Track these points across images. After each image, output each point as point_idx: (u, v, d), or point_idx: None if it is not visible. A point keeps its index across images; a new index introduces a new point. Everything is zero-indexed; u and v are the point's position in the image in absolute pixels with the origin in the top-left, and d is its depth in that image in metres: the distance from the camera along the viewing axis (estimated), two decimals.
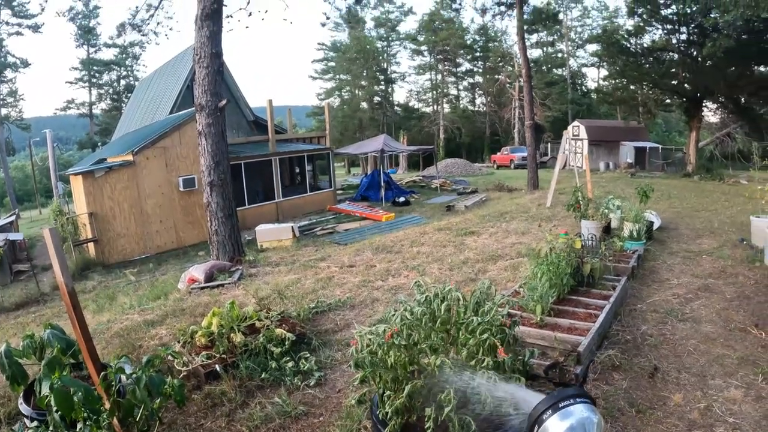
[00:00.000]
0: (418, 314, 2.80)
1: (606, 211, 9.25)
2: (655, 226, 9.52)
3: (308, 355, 4.78)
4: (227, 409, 4.06)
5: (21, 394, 3.88)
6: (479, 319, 2.71)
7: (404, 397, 2.69)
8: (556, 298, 5.34)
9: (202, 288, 8.26)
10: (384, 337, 2.79)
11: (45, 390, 2.29)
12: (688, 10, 26.06)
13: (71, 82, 61.93)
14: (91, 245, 16.59)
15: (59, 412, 2.22)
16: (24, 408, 3.82)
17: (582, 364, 4.16)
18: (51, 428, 2.26)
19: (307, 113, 68.40)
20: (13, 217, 27.92)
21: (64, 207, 24.93)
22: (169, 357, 4.79)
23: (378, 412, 2.91)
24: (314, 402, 4.11)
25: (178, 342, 5.21)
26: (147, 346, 5.55)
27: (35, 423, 2.67)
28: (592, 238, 7.53)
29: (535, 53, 59.20)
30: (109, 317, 7.22)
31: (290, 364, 4.57)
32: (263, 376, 4.45)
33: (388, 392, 2.82)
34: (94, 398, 2.28)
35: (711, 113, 37.16)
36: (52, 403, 2.22)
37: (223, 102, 11.77)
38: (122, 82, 63.83)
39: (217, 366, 4.53)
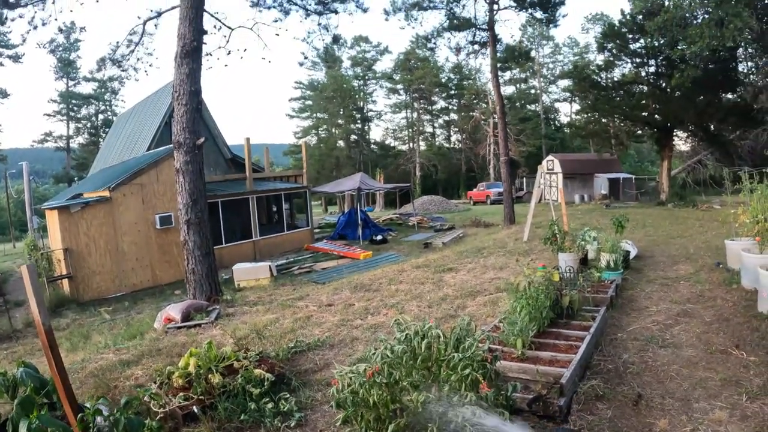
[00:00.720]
0: (399, 352, 2.79)
1: (582, 242, 9.36)
2: (631, 255, 9.64)
3: (288, 395, 4.70)
4: None
5: None
6: (460, 355, 2.71)
7: None
8: (537, 331, 5.35)
9: (179, 327, 8.13)
10: (365, 376, 2.77)
11: (23, 430, 2.22)
12: (656, 44, 26.93)
13: (49, 115, 61.49)
14: (65, 282, 16.30)
15: None
16: None
17: (565, 396, 4.16)
18: None
19: (284, 152, 68.58)
20: None
21: (38, 242, 24.53)
22: (146, 398, 4.70)
23: None
24: None
25: (155, 383, 5.11)
26: (123, 386, 5.45)
27: None
28: (569, 270, 7.60)
29: (508, 90, 60.55)
30: (83, 356, 7.09)
31: (270, 405, 4.49)
32: (242, 417, 4.37)
33: (370, 431, 2.79)
34: None
35: (682, 142, 38.27)
36: None
37: (202, 140, 11.78)
38: (100, 116, 63.54)
39: (195, 407, 4.43)
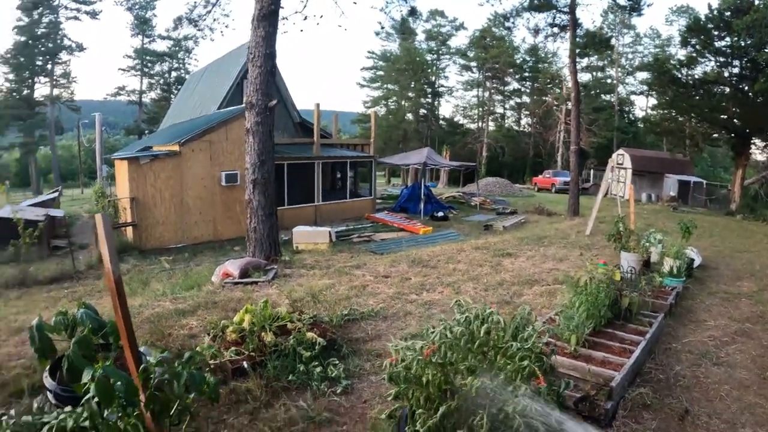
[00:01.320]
0: (458, 334, 2.75)
1: (647, 244, 9.05)
2: (695, 264, 9.25)
3: (337, 362, 4.76)
4: (251, 407, 4.06)
5: (47, 368, 3.96)
6: (518, 344, 2.66)
7: (438, 417, 2.65)
8: (592, 329, 5.22)
9: (236, 283, 8.31)
10: (421, 353, 2.76)
11: (86, 377, 2.30)
12: (742, 44, 25.53)
13: (124, 70, 63.42)
14: (129, 229, 16.91)
15: (96, 400, 2.23)
16: (49, 382, 3.87)
17: (613, 400, 4.06)
18: (86, 414, 2.27)
19: (352, 120, 68.64)
20: (55, 194, 28.69)
21: (106, 189, 25.54)
22: (197, 348, 4.82)
23: (407, 429, 2.87)
24: (339, 410, 4.08)
25: (208, 335, 5.25)
26: (176, 334, 5.60)
27: (66, 403, 2.69)
28: (631, 271, 7.37)
29: (584, 77, 58.41)
30: (141, 302, 7.30)
31: (318, 369, 4.56)
32: (290, 378, 4.45)
33: (420, 410, 2.78)
34: (134, 390, 2.30)
35: (759, 151, 36.31)
36: (92, 391, 2.23)
37: (273, 102, 11.87)
38: (173, 73, 65.19)
39: (245, 363, 4.53)
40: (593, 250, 11.46)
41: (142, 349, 2.69)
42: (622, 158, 35.35)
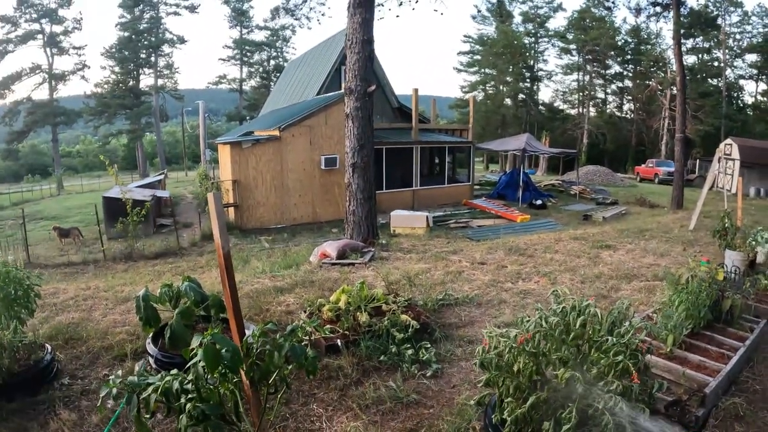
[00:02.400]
0: (552, 324, 2.77)
1: (754, 243, 8.53)
2: None
3: (429, 345, 4.85)
4: (341, 383, 4.22)
5: (150, 336, 4.27)
6: (614, 339, 2.64)
7: (527, 407, 2.69)
8: (690, 330, 5.03)
9: (333, 264, 8.58)
10: (515, 341, 2.80)
11: (194, 342, 2.49)
12: None
13: (224, 60, 66.58)
14: (231, 210, 17.71)
15: (203, 365, 2.41)
16: (151, 348, 4.21)
17: (705, 407, 3.92)
18: (191, 377, 2.47)
19: (450, 105, 68.20)
20: (161, 176, 30.54)
21: (210, 172, 26.78)
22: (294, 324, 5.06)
23: (493, 417, 2.92)
24: (427, 393, 4.15)
25: (304, 312, 5.49)
26: (274, 310, 5.88)
27: (167, 368, 2.90)
28: (735, 271, 7.01)
29: (689, 59, 54.66)
30: (241, 278, 7.67)
31: (410, 351, 4.66)
32: (381, 358, 4.58)
33: (508, 399, 2.83)
34: (239, 357, 2.47)
35: None
36: (199, 356, 2.41)
37: (372, 87, 12.05)
38: (272, 62, 67.49)
39: (339, 341, 4.73)
40: (696, 246, 10.92)
41: (268, 325, 2.88)
42: (729, 148, 33.06)
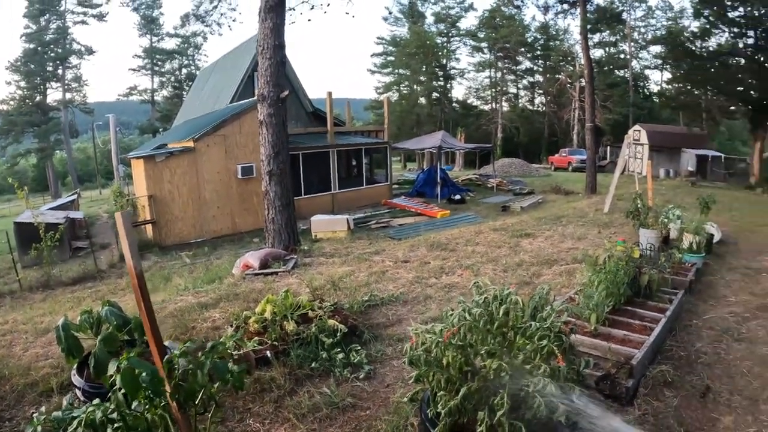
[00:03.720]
0: (476, 316, 2.77)
1: (666, 220, 8.96)
2: (714, 240, 9.10)
3: (359, 347, 4.81)
4: (275, 395, 4.13)
5: (75, 366, 4.05)
6: (537, 324, 2.66)
7: (459, 398, 2.68)
8: (612, 307, 5.21)
9: (257, 274, 8.42)
10: (441, 336, 2.78)
11: (111, 369, 2.37)
12: (756, 13, 25.02)
13: (134, 70, 64.35)
14: (149, 226, 17.09)
15: (123, 391, 2.30)
16: (77, 380, 3.96)
17: (634, 378, 4.06)
18: (113, 406, 2.35)
19: (365, 106, 68.48)
20: (74, 196, 29.15)
21: (124, 189, 25.81)
22: (221, 339, 4.90)
23: (428, 411, 2.90)
24: (362, 395, 4.13)
25: (231, 326, 5.33)
26: (200, 327, 5.68)
27: (94, 399, 2.77)
28: (650, 248, 7.33)
29: (597, 53, 57.32)
30: (163, 297, 7.44)
31: (341, 355, 4.61)
32: (313, 365, 4.51)
33: (441, 392, 2.81)
34: (159, 380, 2.36)
35: None
36: (118, 382, 2.30)
37: (285, 93, 11.93)
38: (183, 70, 65.75)
39: (268, 352, 4.61)
40: (612, 228, 11.38)
41: (167, 343, 2.75)
42: (638, 134, 34.59)
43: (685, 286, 6.41)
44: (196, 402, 2.58)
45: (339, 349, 4.70)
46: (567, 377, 2.86)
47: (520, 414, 2.61)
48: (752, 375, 4.38)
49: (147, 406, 2.42)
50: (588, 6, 23.90)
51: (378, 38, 74.38)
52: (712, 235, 8.91)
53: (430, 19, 64.93)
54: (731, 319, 5.64)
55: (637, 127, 36.12)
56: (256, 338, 4.83)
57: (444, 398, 2.75)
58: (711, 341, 5.08)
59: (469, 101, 67.28)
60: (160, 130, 56.49)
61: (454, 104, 65.45)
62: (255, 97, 13.29)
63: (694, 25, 32.95)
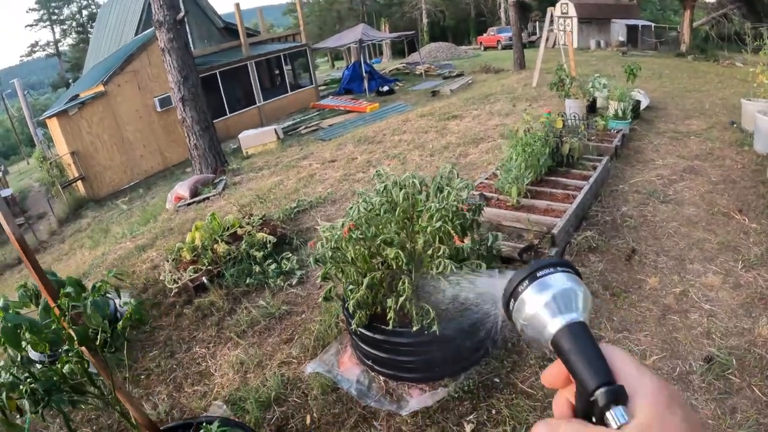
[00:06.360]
0: (377, 204, 2.76)
1: (591, 89, 9.04)
2: (642, 106, 9.22)
3: (290, 255, 4.88)
4: (216, 318, 4.21)
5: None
6: (437, 205, 2.65)
7: (363, 289, 2.72)
8: (533, 179, 5.30)
9: (189, 204, 8.33)
10: (342, 231, 2.78)
11: None
12: None
13: (32, 25, 59.38)
14: (79, 184, 16.45)
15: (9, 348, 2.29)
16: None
17: (557, 246, 4.18)
18: (8, 363, 2.35)
19: (283, 11, 65.32)
20: (0, 173, 27.77)
21: (47, 152, 24.63)
22: (161, 277, 4.90)
23: (347, 306, 2.95)
24: (296, 300, 4.25)
25: (167, 261, 5.28)
26: (140, 270, 5.64)
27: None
28: (574, 117, 7.42)
29: None
30: (103, 250, 7.35)
31: (273, 266, 4.68)
32: (248, 281, 4.58)
33: (351, 286, 2.85)
34: (38, 329, 2.34)
35: None
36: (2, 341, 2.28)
37: (182, 14, 11.39)
38: (84, 12, 60.91)
39: (204, 278, 4.64)
40: (540, 101, 11.44)
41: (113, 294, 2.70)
42: (566, 7, 34.49)
43: (610, 152, 6.54)
44: (97, 342, 2.56)
45: (271, 260, 4.76)
46: (477, 254, 2.91)
47: (431, 298, 2.66)
48: (678, 235, 4.53)
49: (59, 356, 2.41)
50: None
51: None
52: (639, 102, 9.01)
53: None
54: (658, 182, 5.80)
55: (564, 0, 35.86)
56: (191, 267, 4.82)
57: (354, 291, 2.79)
58: (637, 204, 5.22)
59: None
60: (71, 81, 53.34)
61: None
62: None
63: None
